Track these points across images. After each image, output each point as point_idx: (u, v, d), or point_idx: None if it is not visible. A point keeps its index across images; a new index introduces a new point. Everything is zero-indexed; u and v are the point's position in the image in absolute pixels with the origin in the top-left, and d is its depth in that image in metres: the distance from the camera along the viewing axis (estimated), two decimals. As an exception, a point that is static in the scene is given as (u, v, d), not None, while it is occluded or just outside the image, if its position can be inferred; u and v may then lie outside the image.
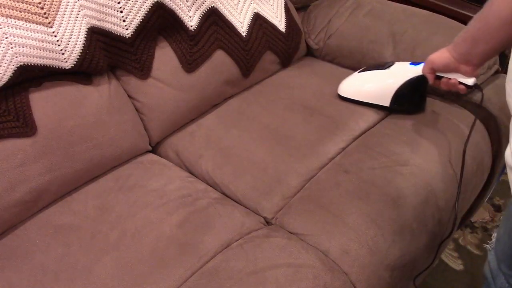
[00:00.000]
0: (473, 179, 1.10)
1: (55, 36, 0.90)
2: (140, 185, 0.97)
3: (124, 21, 1.01)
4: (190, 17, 1.11)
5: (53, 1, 0.90)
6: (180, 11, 1.09)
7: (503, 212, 1.57)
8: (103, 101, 0.99)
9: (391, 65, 1.12)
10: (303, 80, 1.27)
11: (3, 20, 0.83)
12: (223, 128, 1.12)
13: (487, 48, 0.80)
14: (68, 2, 0.92)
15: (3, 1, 0.83)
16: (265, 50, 1.26)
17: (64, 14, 0.91)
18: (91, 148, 0.96)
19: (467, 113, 1.16)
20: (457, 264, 1.39)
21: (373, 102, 1.14)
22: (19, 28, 0.85)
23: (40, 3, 0.88)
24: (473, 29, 0.81)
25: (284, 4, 1.33)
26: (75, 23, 0.93)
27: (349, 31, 1.33)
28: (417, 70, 1.04)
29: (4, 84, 0.86)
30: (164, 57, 1.10)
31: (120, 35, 1.01)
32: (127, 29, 1.02)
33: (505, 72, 0.99)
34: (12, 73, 0.86)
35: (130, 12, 1.01)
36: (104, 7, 0.98)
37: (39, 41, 0.88)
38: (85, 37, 0.95)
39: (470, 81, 0.91)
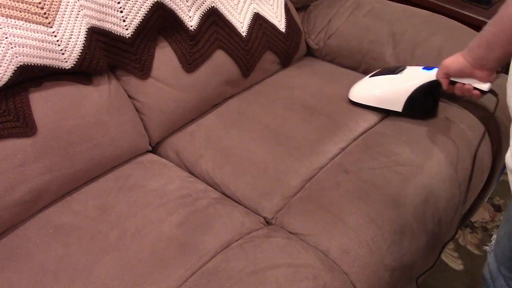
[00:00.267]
0: (473, 179, 1.10)
1: (55, 36, 0.90)
2: (140, 185, 0.97)
3: (124, 21, 1.01)
4: (190, 17, 1.11)
5: (53, 1, 0.90)
6: (180, 11, 1.09)
7: (503, 212, 1.57)
8: (103, 101, 0.99)
9: (402, 70, 1.10)
10: (303, 80, 1.27)
11: (3, 20, 0.83)
12: (223, 128, 1.12)
13: (502, 52, 0.79)
14: (68, 2, 0.92)
15: (3, 1, 0.83)
16: (265, 50, 1.26)
17: (64, 14, 0.91)
18: (91, 148, 0.96)
19: (467, 113, 1.16)
20: (457, 264, 1.39)
21: (385, 108, 1.13)
22: (19, 28, 0.85)
23: (40, 3, 0.88)
24: (488, 33, 0.80)
25: (284, 4, 1.33)
26: (75, 23, 0.93)
27: (349, 31, 1.33)
28: (430, 75, 1.02)
29: (4, 84, 0.86)
30: (164, 57, 1.10)
31: (120, 35, 1.01)
32: (127, 29, 1.02)
33: (505, 72, 0.99)
34: (12, 73, 0.86)
35: (130, 12, 1.01)
36: (104, 7, 0.98)
37: (39, 41, 0.88)
38: (85, 37, 0.95)
39: (485, 86, 0.90)
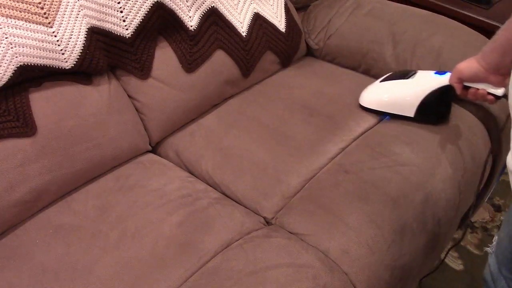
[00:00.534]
0: (473, 179, 1.10)
1: (55, 36, 0.90)
2: (140, 185, 0.97)
3: (124, 21, 1.01)
4: (190, 17, 1.11)
5: (53, 1, 0.90)
6: (180, 11, 1.09)
7: (503, 212, 1.57)
8: (103, 101, 0.99)
9: (414, 74, 1.09)
10: (303, 80, 1.27)
11: (3, 20, 0.83)
12: (223, 128, 1.12)
13: None
14: (68, 2, 0.92)
15: (3, 1, 0.83)
16: (265, 50, 1.26)
17: (64, 14, 0.91)
18: (91, 148, 0.96)
19: (467, 114, 1.16)
20: (457, 264, 1.39)
21: (397, 113, 1.11)
22: (19, 28, 0.85)
23: (40, 3, 0.88)
24: (501, 38, 0.79)
25: (284, 4, 1.33)
26: (75, 23, 0.93)
27: (349, 31, 1.33)
28: (443, 80, 1.01)
29: (4, 84, 0.86)
30: (164, 57, 1.10)
31: (120, 35, 1.01)
32: (127, 29, 1.02)
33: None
34: (12, 73, 0.86)
35: (130, 12, 1.01)
36: (104, 7, 0.98)
37: (39, 41, 0.88)
38: (85, 37, 0.95)
39: (500, 91, 0.88)
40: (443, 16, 1.31)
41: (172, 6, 1.07)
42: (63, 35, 0.91)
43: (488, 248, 0.90)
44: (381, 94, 1.13)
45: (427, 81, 1.05)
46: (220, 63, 1.17)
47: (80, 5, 0.94)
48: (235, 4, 1.20)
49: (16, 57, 0.86)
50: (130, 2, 1.00)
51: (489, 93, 0.89)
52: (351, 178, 0.96)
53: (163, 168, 1.03)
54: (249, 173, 1.00)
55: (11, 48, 0.85)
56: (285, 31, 1.31)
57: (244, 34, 1.21)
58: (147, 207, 0.91)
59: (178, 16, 1.09)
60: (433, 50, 1.21)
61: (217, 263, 0.81)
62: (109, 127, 0.99)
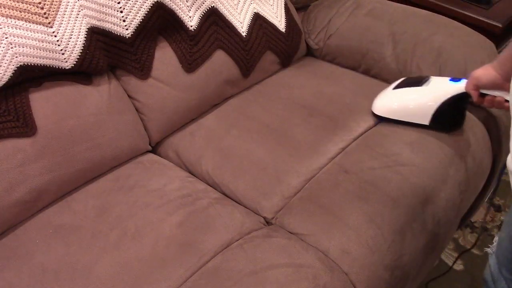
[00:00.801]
0: (473, 179, 1.10)
1: (55, 36, 0.90)
2: (140, 185, 0.97)
3: (124, 21, 1.01)
4: (190, 17, 1.11)
5: (53, 1, 0.90)
6: (180, 11, 1.09)
7: (503, 212, 1.57)
8: (103, 101, 0.99)
9: (428, 81, 1.07)
10: (303, 80, 1.27)
11: (3, 20, 0.83)
12: (223, 128, 1.12)
13: None
14: (68, 2, 0.92)
15: (3, 1, 0.83)
16: (265, 50, 1.26)
17: (64, 14, 0.91)
18: (91, 148, 0.96)
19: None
20: (457, 264, 1.39)
21: (411, 121, 1.08)
22: (19, 28, 0.85)
23: (40, 3, 0.88)
24: None
25: (284, 4, 1.33)
26: (75, 23, 0.93)
27: (349, 31, 1.33)
28: (458, 87, 0.99)
29: (4, 84, 0.86)
30: (164, 57, 1.10)
31: (120, 35, 1.01)
32: (127, 29, 1.02)
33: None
34: (12, 73, 0.86)
35: (130, 12, 1.01)
36: (104, 7, 0.98)
37: (39, 41, 0.88)
38: (85, 37, 0.95)
39: None
40: (443, 16, 1.31)
41: (172, 6, 1.07)
42: (63, 35, 0.91)
43: (489, 249, 0.90)
44: (395, 102, 1.09)
45: (442, 89, 1.03)
46: (220, 63, 1.17)
47: (80, 5, 0.94)
48: (235, 4, 1.20)
49: (16, 57, 0.86)
50: (130, 2, 1.00)
51: (506, 101, 0.87)
52: (351, 178, 0.96)
53: (163, 168, 1.03)
54: (249, 173, 1.00)
55: (11, 48, 0.85)
56: (285, 31, 1.31)
57: (244, 34, 1.21)
58: (147, 207, 0.91)
59: (178, 16, 1.09)
60: (433, 50, 1.21)
61: (217, 263, 0.81)
62: (109, 127, 0.99)
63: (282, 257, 0.82)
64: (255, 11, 1.25)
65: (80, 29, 0.94)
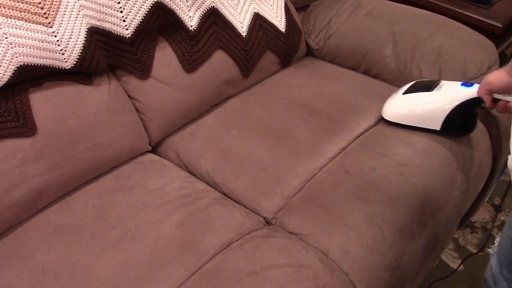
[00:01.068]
0: (473, 179, 1.10)
1: (55, 36, 0.90)
2: (140, 185, 0.97)
3: (124, 21, 1.01)
4: (190, 17, 1.11)
5: (53, 1, 0.90)
6: (180, 11, 1.09)
7: (503, 212, 1.57)
8: (103, 101, 0.99)
9: (439, 85, 1.05)
10: (303, 80, 1.27)
11: (3, 20, 0.83)
12: (223, 128, 1.12)
13: None
14: (68, 2, 0.92)
15: (3, 1, 0.83)
16: (265, 50, 1.26)
17: (64, 14, 0.91)
18: (91, 148, 0.96)
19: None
20: (457, 264, 1.39)
21: (422, 126, 1.07)
22: (19, 28, 0.85)
23: (40, 3, 0.88)
24: None
25: (284, 4, 1.33)
26: (75, 23, 0.93)
27: (349, 31, 1.33)
28: (470, 92, 0.97)
29: (4, 84, 0.86)
30: (164, 57, 1.10)
31: (120, 35, 1.01)
32: (127, 29, 1.02)
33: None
34: (12, 73, 0.86)
35: (130, 12, 1.01)
36: (104, 7, 0.98)
37: (39, 41, 0.88)
38: (85, 37, 0.95)
39: None
40: (443, 16, 1.31)
41: (172, 6, 1.07)
42: (63, 35, 0.91)
43: (490, 249, 0.90)
44: (405, 107, 1.08)
45: (454, 93, 1.01)
46: (220, 63, 1.17)
47: (80, 5, 0.94)
48: (235, 4, 1.20)
49: (16, 57, 0.86)
50: (130, 2, 1.00)
51: None
52: (351, 178, 0.96)
53: (163, 168, 1.03)
54: (249, 173, 1.00)
55: (11, 48, 0.85)
56: (285, 31, 1.31)
57: (244, 34, 1.21)
58: (147, 207, 0.91)
59: (178, 16, 1.09)
60: (433, 50, 1.21)
61: (217, 263, 0.81)
62: (109, 127, 0.99)
63: (282, 257, 0.82)
64: (255, 11, 1.25)
65: (80, 29, 0.94)
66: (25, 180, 0.87)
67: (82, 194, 0.96)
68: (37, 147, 0.88)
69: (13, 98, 0.88)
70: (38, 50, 0.88)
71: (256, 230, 0.90)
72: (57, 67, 0.93)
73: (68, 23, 0.92)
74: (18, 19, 0.85)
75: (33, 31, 0.87)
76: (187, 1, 1.10)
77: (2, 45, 0.83)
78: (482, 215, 1.55)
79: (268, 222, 0.95)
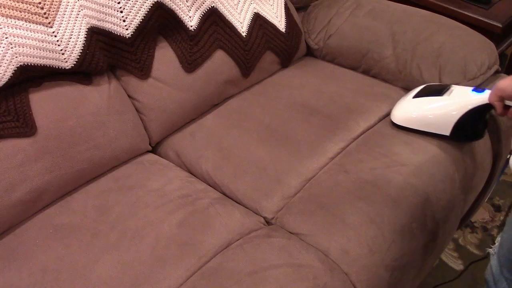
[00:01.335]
0: (473, 179, 1.10)
1: (55, 36, 0.90)
2: (140, 185, 0.97)
3: (124, 21, 1.01)
4: (190, 17, 1.11)
5: (53, 1, 0.90)
6: (180, 11, 1.09)
7: (503, 212, 1.57)
8: (103, 101, 0.99)
9: (449, 90, 1.04)
10: (303, 80, 1.27)
11: (3, 20, 0.83)
12: (223, 128, 1.12)
13: None
14: (68, 2, 0.92)
15: (3, 1, 0.83)
16: (265, 50, 1.26)
17: (64, 14, 0.91)
18: (91, 148, 0.96)
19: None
20: (457, 264, 1.39)
21: (431, 131, 1.06)
22: (19, 28, 0.85)
23: (40, 3, 0.88)
24: None
25: (284, 4, 1.33)
26: (75, 23, 0.93)
27: (349, 31, 1.33)
28: (481, 98, 0.96)
29: (4, 84, 0.86)
30: (164, 57, 1.10)
31: (120, 35, 1.01)
32: (127, 29, 1.02)
33: (506, 72, 0.98)
34: (12, 73, 0.86)
35: (130, 12, 1.01)
36: (104, 7, 0.98)
37: (39, 41, 0.88)
38: (85, 37, 0.95)
39: None
40: (443, 16, 1.31)
41: (172, 6, 1.07)
42: (63, 35, 0.91)
43: (490, 250, 0.90)
44: (415, 112, 1.07)
45: (464, 99, 1.00)
46: (220, 63, 1.17)
47: (80, 5, 0.94)
48: (235, 4, 1.20)
49: (16, 57, 0.86)
50: (130, 2, 1.00)
51: None
52: (351, 178, 0.96)
53: (163, 168, 1.03)
54: (249, 173, 1.00)
55: (11, 48, 0.85)
56: (285, 31, 1.31)
57: (244, 34, 1.21)
58: (147, 207, 0.91)
59: (178, 16, 1.09)
60: (433, 50, 1.21)
61: (217, 263, 0.81)
62: (109, 127, 0.99)
63: (282, 257, 0.82)
64: (255, 11, 1.25)
65: (80, 29, 0.94)
66: (25, 180, 0.87)
67: (82, 194, 0.96)
68: (37, 147, 0.88)
69: (13, 98, 0.88)
70: (38, 50, 0.88)
71: (256, 230, 0.90)
72: (57, 67, 0.93)
73: (68, 23, 0.92)
74: (18, 19, 0.85)
75: (33, 31, 0.87)
76: (187, 1, 1.10)
77: (2, 45, 0.83)
78: (482, 215, 1.55)
79: (268, 222, 0.95)
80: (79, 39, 0.94)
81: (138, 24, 1.03)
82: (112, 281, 0.78)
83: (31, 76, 0.90)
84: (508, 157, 1.28)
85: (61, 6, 0.91)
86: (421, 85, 1.22)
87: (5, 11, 0.83)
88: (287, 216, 0.92)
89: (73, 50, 0.93)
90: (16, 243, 0.85)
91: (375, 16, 1.33)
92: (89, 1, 0.95)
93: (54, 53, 0.91)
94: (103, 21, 0.99)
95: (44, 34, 0.89)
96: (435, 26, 1.26)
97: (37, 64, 0.89)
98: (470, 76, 1.16)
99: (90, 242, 0.84)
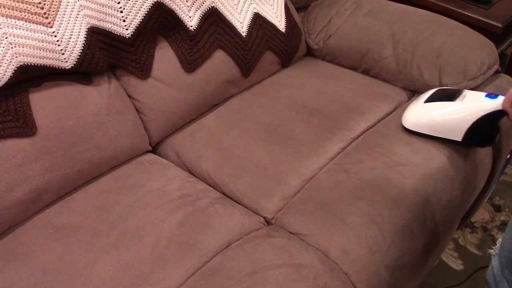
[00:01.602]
0: (473, 179, 1.10)
1: (55, 36, 0.90)
2: (140, 185, 0.97)
3: (124, 21, 1.01)
4: (190, 17, 1.11)
5: (53, 1, 0.90)
6: (180, 11, 1.09)
7: (503, 212, 1.57)
8: (103, 101, 0.99)
9: (461, 95, 1.03)
10: (303, 80, 1.27)
11: (3, 20, 0.83)
12: (223, 128, 1.12)
13: None
14: (68, 2, 0.92)
15: (3, 1, 0.83)
16: (265, 50, 1.26)
17: (64, 14, 0.91)
18: (91, 148, 0.96)
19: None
20: (457, 264, 1.39)
21: (442, 137, 1.04)
22: (19, 28, 0.85)
23: (40, 3, 0.88)
24: None
25: (284, 4, 1.33)
26: (75, 23, 0.93)
27: (349, 31, 1.33)
28: (494, 104, 0.95)
29: (4, 84, 0.86)
30: (164, 57, 1.10)
31: (120, 35, 1.01)
32: (127, 29, 1.02)
33: (506, 72, 0.98)
34: (12, 73, 0.86)
35: (130, 12, 1.01)
36: (104, 7, 0.98)
37: (39, 41, 0.88)
38: (85, 37, 0.95)
39: None
40: (443, 16, 1.31)
41: (172, 6, 1.07)
42: (63, 35, 0.91)
43: (491, 250, 0.90)
44: (427, 117, 1.05)
45: (477, 105, 0.99)
46: (220, 63, 1.17)
47: (80, 5, 0.94)
48: (235, 4, 1.20)
49: (16, 57, 0.86)
50: (130, 2, 1.00)
51: None
52: (351, 178, 0.96)
53: (163, 168, 1.03)
54: (249, 173, 1.00)
55: (11, 48, 0.85)
56: (285, 31, 1.31)
57: (244, 34, 1.21)
58: (147, 207, 0.91)
59: (178, 16, 1.09)
60: (433, 50, 1.21)
61: (217, 263, 0.81)
62: (109, 127, 0.99)
63: (282, 257, 0.82)
64: (255, 11, 1.25)
65: (80, 29, 0.94)
66: (25, 180, 0.87)
67: (82, 194, 0.96)
68: (37, 147, 0.88)
69: (13, 98, 0.88)
70: (38, 50, 0.88)
71: (256, 230, 0.90)
72: (57, 67, 0.93)
73: (68, 23, 0.92)
74: (18, 19, 0.85)
75: (33, 31, 0.87)
76: (187, 1, 1.10)
77: (2, 45, 0.83)
78: (482, 215, 1.55)
79: (268, 222, 0.95)
80: (79, 39, 0.94)
81: (138, 24, 1.03)
82: (112, 281, 0.78)
83: (31, 76, 0.90)
84: (508, 157, 1.28)
85: (61, 6, 0.91)
86: (421, 85, 1.22)
87: (5, 11, 0.83)
88: (287, 216, 0.92)
89: (73, 50, 0.93)
90: (16, 243, 0.85)
91: (375, 16, 1.33)
92: (89, 1, 0.95)
93: (54, 53, 0.91)
94: (103, 21, 0.99)
95: (44, 34, 0.89)
96: (435, 26, 1.26)
97: (37, 64, 0.89)
98: (470, 76, 1.16)
99: (90, 242, 0.84)
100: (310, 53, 1.43)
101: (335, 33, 1.36)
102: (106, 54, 1.01)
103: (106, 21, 0.99)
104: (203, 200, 0.94)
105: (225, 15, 1.18)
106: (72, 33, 0.93)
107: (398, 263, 0.88)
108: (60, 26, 0.91)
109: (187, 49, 1.12)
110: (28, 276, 0.79)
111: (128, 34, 1.02)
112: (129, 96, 1.07)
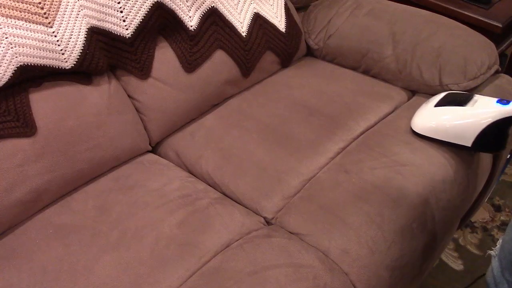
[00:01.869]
0: (473, 179, 1.10)
1: (55, 36, 0.90)
2: (140, 185, 0.97)
3: (124, 21, 1.01)
4: (190, 17, 1.11)
5: (53, 1, 0.90)
6: (180, 11, 1.09)
7: (503, 212, 1.57)
8: (103, 101, 0.99)
9: (472, 100, 1.03)
10: (303, 80, 1.27)
11: (3, 20, 0.83)
12: (223, 128, 1.12)
13: None
14: (68, 2, 0.92)
15: (3, 1, 0.83)
16: (265, 50, 1.26)
17: (64, 14, 0.91)
18: (91, 148, 0.96)
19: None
20: (457, 264, 1.39)
21: (452, 142, 1.04)
22: (19, 28, 0.85)
23: (40, 3, 0.88)
24: None
25: (284, 4, 1.33)
26: (75, 23, 0.93)
27: (349, 31, 1.33)
28: (506, 110, 0.96)
29: (4, 84, 0.86)
30: (164, 57, 1.10)
31: (120, 35, 1.01)
32: (127, 29, 1.02)
33: (506, 72, 0.98)
34: (12, 73, 0.86)
35: (130, 12, 1.01)
36: (104, 7, 0.98)
37: (39, 41, 0.88)
38: (85, 37, 0.95)
39: None
40: (443, 16, 1.31)
41: (172, 6, 1.07)
42: (63, 35, 0.91)
43: (492, 252, 0.89)
44: (436, 121, 1.04)
45: (488, 111, 0.99)
46: (220, 63, 1.17)
47: (80, 5, 0.94)
48: (235, 4, 1.20)
49: (16, 57, 0.86)
50: (130, 2, 1.00)
51: None
52: (351, 178, 0.96)
53: (163, 168, 1.03)
54: (249, 173, 1.00)
55: (11, 48, 0.85)
56: (285, 31, 1.31)
57: (244, 34, 1.21)
58: (147, 207, 0.91)
59: (178, 16, 1.09)
60: (433, 50, 1.21)
61: (217, 263, 0.81)
62: (109, 127, 0.99)
63: (282, 257, 0.82)
64: (255, 11, 1.25)
65: (80, 29, 0.94)
66: (25, 180, 0.87)
67: (82, 194, 0.96)
68: (37, 147, 0.88)
69: (13, 98, 0.88)
70: (38, 50, 0.88)
71: (256, 230, 0.90)
72: (57, 67, 0.93)
73: (68, 23, 0.92)
74: (18, 19, 0.85)
75: (33, 31, 0.87)
76: (187, 1, 1.10)
77: (2, 45, 0.83)
78: (482, 215, 1.55)
79: (268, 222, 0.95)
80: (79, 39, 0.94)
81: (138, 24, 1.03)
82: (112, 281, 0.78)
83: (31, 76, 0.90)
84: (508, 157, 1.28)
85: (61, 6, 0.91)
86: (421, 85, 1.22)
87: (5, 11, 0.83)
88: (287, 216, 0.92)
89: (73, 50, 0.93)
90: (16, 243, 0.85)
91: (375, 16, 1.33)
92: (89, 1, 0.95)
93: (54, 53, 0.91)
94: (103, 21, 0.99)
95: (44, 34, 0.89)
96: (435, 26, 1.26)
97: (37, 64, 0.89)
98: (470, 76, 1.16)
99: (90, 242, 0.84)
100: (310, 53, 1.43)
101: (335, 33, 1.36)
102: (106, 54, 1.01)
103: (106, 21, 0.99)
104: (203, 200, 0.94)
105: (225, 15, 1.18)
106: (72, 33, 0.93)
107: (398, 263, 0.88)
108: (60, 26, 0.91)
109: (187, 49, 1.12)
110: (28, 276, 0.79)
111: (128, 34, 1.02)
112: (129, 96, 1.07)
